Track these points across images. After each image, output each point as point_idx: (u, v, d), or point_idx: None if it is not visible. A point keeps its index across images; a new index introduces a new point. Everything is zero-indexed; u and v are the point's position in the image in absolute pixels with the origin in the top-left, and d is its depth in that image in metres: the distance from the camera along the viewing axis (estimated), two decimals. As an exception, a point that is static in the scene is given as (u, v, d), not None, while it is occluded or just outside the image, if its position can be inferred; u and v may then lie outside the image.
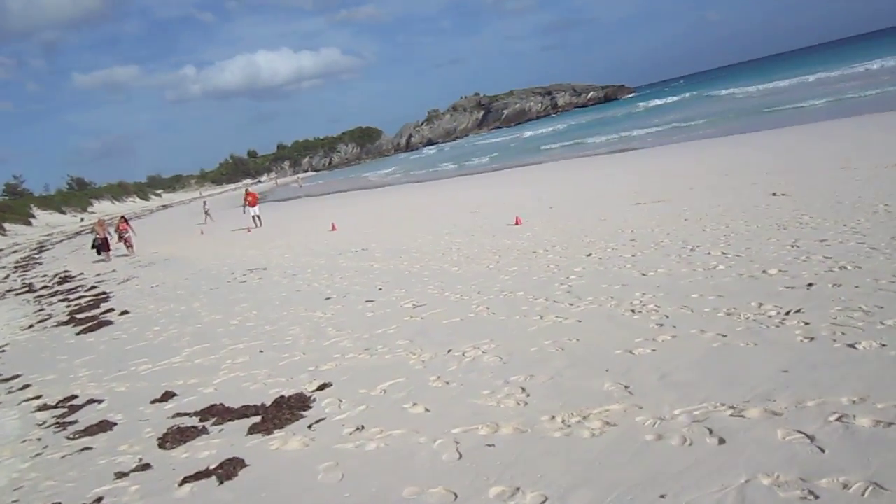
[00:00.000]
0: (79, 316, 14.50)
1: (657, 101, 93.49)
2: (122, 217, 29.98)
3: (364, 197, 44.28)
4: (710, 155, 25.27)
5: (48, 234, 66.76)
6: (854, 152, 16.92)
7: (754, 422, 4.34)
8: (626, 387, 5.25)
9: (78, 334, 12.24)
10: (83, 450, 6.18)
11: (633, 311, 7.17)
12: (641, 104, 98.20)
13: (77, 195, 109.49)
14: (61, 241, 52.19)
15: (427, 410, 5.55)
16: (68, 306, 16.42)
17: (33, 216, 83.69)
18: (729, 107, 53.43)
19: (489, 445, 4.68)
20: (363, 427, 5.43)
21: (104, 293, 17.54)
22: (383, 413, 5.67)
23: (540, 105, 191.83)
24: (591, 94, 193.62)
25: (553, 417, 4.94)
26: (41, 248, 46.11)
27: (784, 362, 5.13)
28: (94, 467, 5.69)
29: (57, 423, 7.19)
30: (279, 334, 9.18)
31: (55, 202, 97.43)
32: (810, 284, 6.94)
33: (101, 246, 26.76)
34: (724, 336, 5.92)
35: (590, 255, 10.59)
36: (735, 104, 55.63)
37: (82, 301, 16.89)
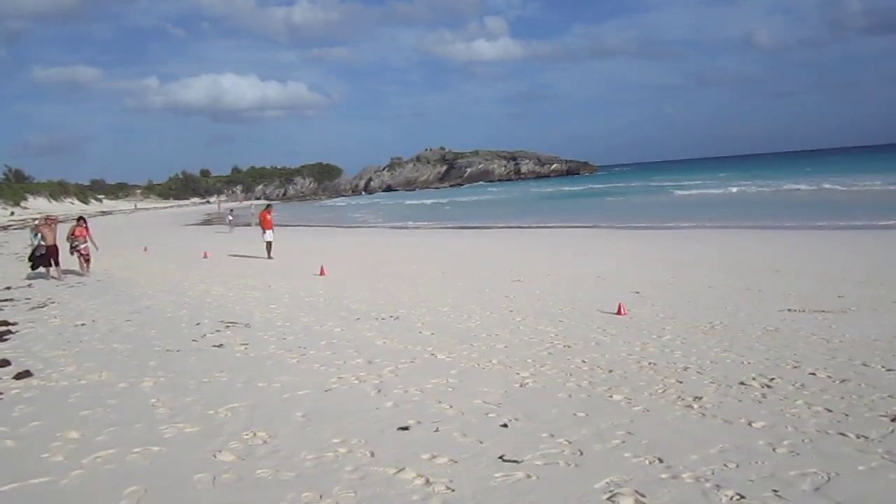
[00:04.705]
0: (-51, 366, 9.02)
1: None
2: (81, 219, 20.38)
3: (337, 236, 39.12)
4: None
5: (-30, 225, 59.43)
6: None
7: None
8: None
9: (-72, 414, 6.82)
10: None
11: None
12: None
13: (12, 187, 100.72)
14: (-18, 234, 45.53)
15: None
16: (-57, 340, 10.84)
17: (-44, 203, 75.59)
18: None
19: None
20: None
21: (5, 323, 12.01)
22: None
23: (504, 169, 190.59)
24: (555, 165, 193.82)
25: None
26: (-45, 241, 39.44)
27: None
28: None
29: None
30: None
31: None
32: None
33: (45, 257, 18.16)
34: None
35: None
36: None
37: (-32, 333, 11.33)
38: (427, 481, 4.84)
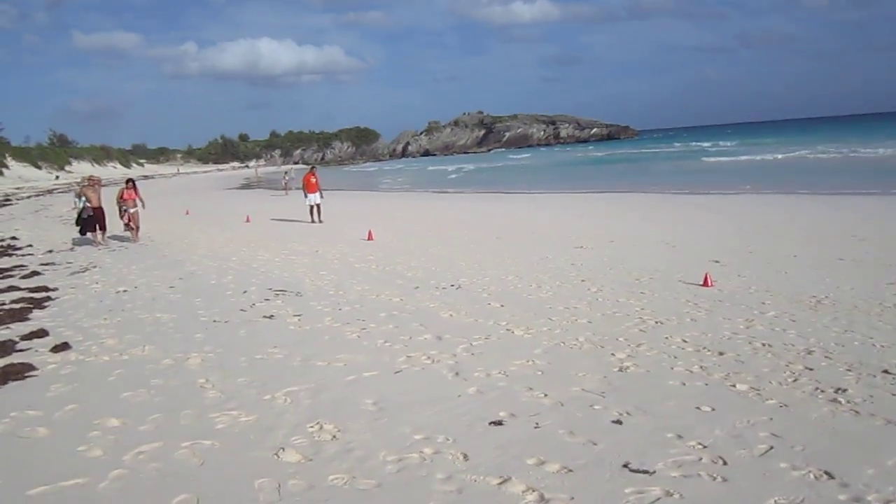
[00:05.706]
0: (-16, 334, 8.36)
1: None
2: (130, 181, 18.44)
3: (377, 199, 38.26)
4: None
5: (18, 188, 60.03)
6: None
7: None
8: None
9: (-46, 392, 6.09)
10: None
11: None
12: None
13: (57, 151, 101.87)
14: (29, 196, 45.85)
15: None
16: (-19, 305, 10.23)
17: (6, 166, 76.43)
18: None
19: None
20: None
21: (45, 289, 11.39)
22: None
23: (542, 133, 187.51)
24: (595, 129, 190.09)
25: None
26: (3, 203, 39.57)
27: None
28: None
29: None
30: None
31: (32, 155, 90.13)
32: None
33: (91, 220, 16.91)
34: None
35: None
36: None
37: (7, 299, 10.75)
38: (541, 497, 3.91)
